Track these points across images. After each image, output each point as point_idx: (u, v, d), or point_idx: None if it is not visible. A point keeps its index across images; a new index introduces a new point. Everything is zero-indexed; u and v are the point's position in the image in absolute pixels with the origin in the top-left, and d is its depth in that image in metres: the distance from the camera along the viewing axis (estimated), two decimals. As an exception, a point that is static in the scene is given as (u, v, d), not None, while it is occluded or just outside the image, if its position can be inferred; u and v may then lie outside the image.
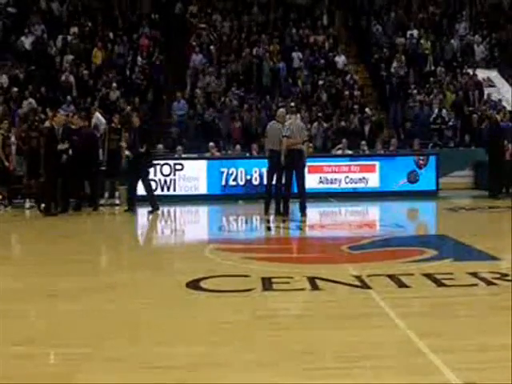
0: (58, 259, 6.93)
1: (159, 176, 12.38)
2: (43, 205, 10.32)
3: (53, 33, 17.80)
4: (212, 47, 17.82)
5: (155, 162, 11.67)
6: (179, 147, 13.44)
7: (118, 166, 11.46)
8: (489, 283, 5.10)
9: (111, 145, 11.64)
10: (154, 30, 18.37)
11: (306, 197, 9.60)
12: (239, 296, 4.91)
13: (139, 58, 17.18)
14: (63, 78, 16.13)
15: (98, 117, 12.87)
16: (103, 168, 11.65)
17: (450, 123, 15.35)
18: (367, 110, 15.90)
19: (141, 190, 12.23)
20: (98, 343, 3.80)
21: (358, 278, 5.34)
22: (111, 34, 17.88)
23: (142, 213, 11.03)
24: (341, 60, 17.54)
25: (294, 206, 9.66)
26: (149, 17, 18.98)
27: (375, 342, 3.72)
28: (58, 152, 10.11)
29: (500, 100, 16.09)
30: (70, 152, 10.31)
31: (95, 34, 17.97)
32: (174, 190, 12.44)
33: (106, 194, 12.03)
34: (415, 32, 18.53)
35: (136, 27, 18.47)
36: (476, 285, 5.08)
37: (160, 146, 13.83)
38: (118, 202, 11.84)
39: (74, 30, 17.89)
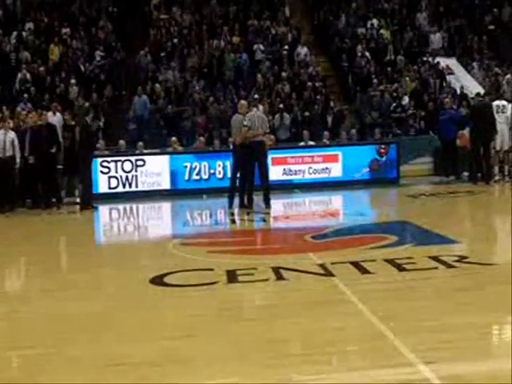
0: (18, 259, 6.78)
1: (120, 172, 12.21)
2: None
3: (7, 29, 17.34)
4: (175, 40, 17.63)
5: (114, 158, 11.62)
6: (140, 143, 13.27)
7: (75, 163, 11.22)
8: (449, 266, 5.21)
9: (66, 142, 11.41)
10: (113, 24, 18.07)
11: (270, 188, 9.62)
12: (204, 290, 4.89)
13: (98, 53, 16.89)
14: (20, 75, 15.75)
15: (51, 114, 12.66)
16: (60, 166, 11.42)
17: (410, 111, 15.58)
18: (330, 100, 16.02)
19: (104, 187, 12.17)
20: (60, 343, 3.74)
21: (322, 266, 5.39)
22: (68, 29, 17.51)
23: (104, 211, 10.88)
24: (303, 51, 17.60)
25: (259, 198, 9.67)
26: (107, 10, 18.66)
27: (339, 328, 3.77)
28: None
29: (462, 87, 16.39)
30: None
31: (51, 29, 17.57)
32: (136, 187, 12.26)
33: (63, 193, 11.80)
34: (375, 22, 18.72)
35: (94, 21, 18.13)
36: (436, 268, 5.18)
37: (121, 142, 13.64)
38: (78, 200, 11.62)
39: (30, 25, 17.46)
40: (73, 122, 11.60)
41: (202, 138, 13.70)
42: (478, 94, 13.69)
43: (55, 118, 12.44)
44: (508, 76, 16.84)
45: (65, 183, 11.79)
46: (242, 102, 10.54)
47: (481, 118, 11.81)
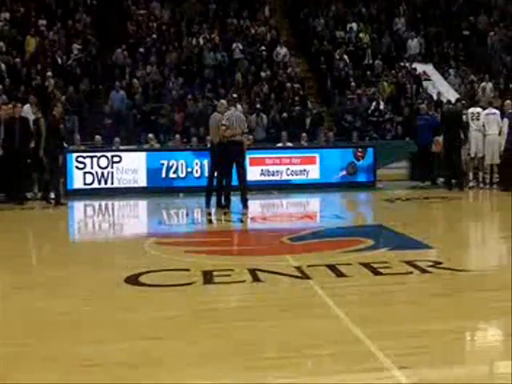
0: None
1: (96, 168, 12.06)
2: None
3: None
4: (152, 36, 17.51)
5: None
6: (117, 139, 13.14)
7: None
8: (423, 271, 5.26)
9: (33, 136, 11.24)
10: (90, 17, 17.86)
11: (248, 189, 9.62)
12: (180, 290, 4.85)
13: (75, 46, 16.67)
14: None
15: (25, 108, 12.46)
16: (29, 161, 11.24)
17: (387, 116, 15.74)
18: (308, 102, 16.09)
19: (79, 183, 12.01)
20: (34, 342, 3.68)
21: (298, 268, 5.40)
22: (45, 21, 17.25)
23: (78, 207, 10.74)
24: (282, 52, 17.63)
25: (236, 199, 9.64)
26: (85, 2, 18.43)
27: (315, 331, 3.77)
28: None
29: (439, 93, 16.62)
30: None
31: (28, 20, 17.29)
32: (112, 183, 12.14)
33: (36, 189, 11.62)
34: (355, 26, 18.86)
35: (71, 13, 17.89)
36: (411, 273, 5.23)
37: (97, 138, 13.48)
38: (52, 195, 11.45)
39: (5, 15, 17.15)
40: (39, 115, 11.42)
41: (177, 136, 13.64)
42: (448, 102, 13.94)
43: (30, 111, 12.25)
44: (483, 83, 17.14)
45: (36, 178, 11.60)
46: (222, 100, 10.53)
47: (451, 124, 12.00)
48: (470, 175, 12.46)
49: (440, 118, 12.93)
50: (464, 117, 12.27)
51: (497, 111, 12.19)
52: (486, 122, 12.06)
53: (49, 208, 10.36)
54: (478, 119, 12.16)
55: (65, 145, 13.07)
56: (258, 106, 15.18)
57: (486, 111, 12.23)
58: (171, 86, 15.88)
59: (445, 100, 15.55)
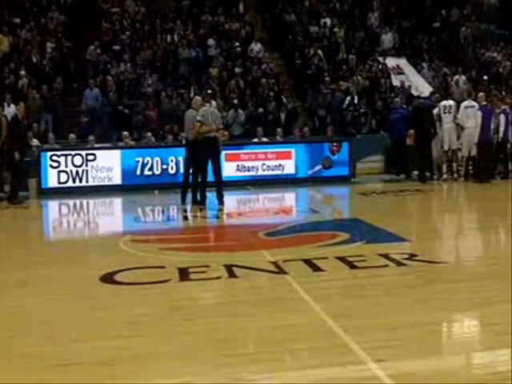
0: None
1: (70, 167, 11.89)
2: None
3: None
4: (126, 33, 17.33)
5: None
6: (91, 137, 12.98)
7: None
8: (399, 264, 5.30)
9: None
10: (64, 15, 17.59)
11: (223, 185, 9.59)
12: (155, 288, 4.82)
13: (48, 44, 16.41)
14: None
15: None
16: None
17: (362, 110, 15.81)
18: (283, 97, 16.09)
19: (53, 182, 11.84)
20: (7, 342, 3.63)
21: (275, 263, 5.40)
22: (18, 20, 16.93)
23: (53, 206, 10.59)
24: (257, 48, 17.61)
25: (212, 195, 9.61)
26: (58, 0, 18.14)
27: (291, 326, 3.78)
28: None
29: (410, 86, 16.75)
30: None
31: (0, 18, 16.95)
32: (87, 182, 11.98)
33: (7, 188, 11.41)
34: (328, 21, 18.92)
35: (44, 11, 17.60)
36: (387, 266, 5.27)
37: (72, 136, 13.30)
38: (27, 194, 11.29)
39: (-23, 15, 16.81)
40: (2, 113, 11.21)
41: (148, 134, 13.52)
42: (418, 97, 14.02)
43: (9, 110, 12.06)
44: (456, 77, 17.33)
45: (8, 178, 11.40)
46: (197, 97, 10.49)
47: (421, 118, 12.09)
48: (444, 167, 12.56)
49: (411, 112, 13.00)
50: (436, 110, 12.35)
51: (475, 104, 12.18)
52: (464, 115, 12.06)
53: (24, 207, 10.19)
54: (450, 112, 12.21)
55: (38, 143, 12.96)
56: (235, 101, 15.13)
57: (465, 103, 12.22)
58: (146, 83, 15.74)
59: (419, 93, 15.66)
